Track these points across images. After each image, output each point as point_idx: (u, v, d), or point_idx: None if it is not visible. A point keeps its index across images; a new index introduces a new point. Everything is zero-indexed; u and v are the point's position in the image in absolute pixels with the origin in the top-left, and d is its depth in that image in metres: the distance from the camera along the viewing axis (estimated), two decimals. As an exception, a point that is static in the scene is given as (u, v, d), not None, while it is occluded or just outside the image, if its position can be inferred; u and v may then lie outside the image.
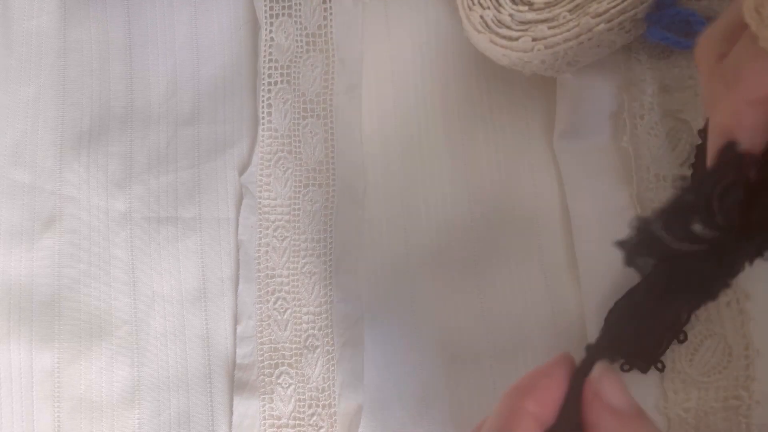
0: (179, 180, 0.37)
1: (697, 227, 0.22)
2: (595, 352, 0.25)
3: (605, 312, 0.33)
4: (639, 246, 0.23)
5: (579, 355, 0.35)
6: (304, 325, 0.35)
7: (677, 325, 0.31)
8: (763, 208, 0.22)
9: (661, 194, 0.33)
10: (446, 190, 0.37)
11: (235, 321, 0.36)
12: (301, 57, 0.37)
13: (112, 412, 0.36)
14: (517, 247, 0.36)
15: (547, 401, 0.24)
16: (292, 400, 0.35)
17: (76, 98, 0.38)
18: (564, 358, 0.25)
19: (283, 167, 0.37)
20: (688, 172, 0.33)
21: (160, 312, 0.36)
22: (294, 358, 0.35)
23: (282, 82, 0.37)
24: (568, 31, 0.31)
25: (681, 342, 0.31)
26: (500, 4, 0.33)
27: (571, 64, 0.33)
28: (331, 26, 0.38)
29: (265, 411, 0.35)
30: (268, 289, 0.36)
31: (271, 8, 0.38)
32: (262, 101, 0.37)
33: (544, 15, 0.32)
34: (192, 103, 0.38)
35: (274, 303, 0.36)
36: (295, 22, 0.38)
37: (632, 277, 0.33)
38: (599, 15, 0.31)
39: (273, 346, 0.35)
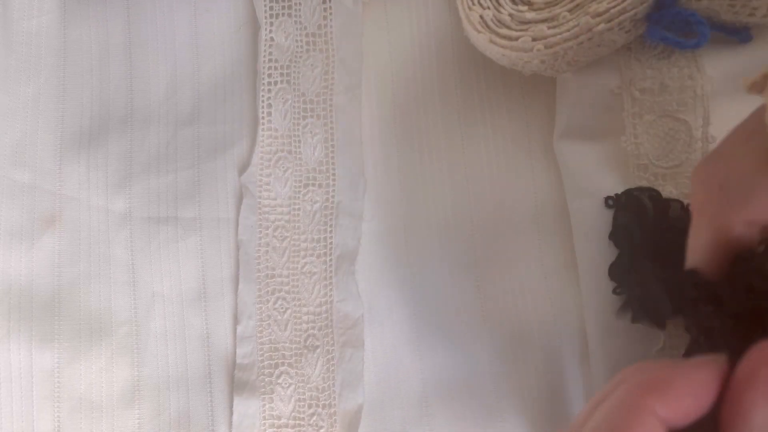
0: (179, 180, 0.37)
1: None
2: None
3: (605, 312, 0.33)
4: None
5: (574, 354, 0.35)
6: (304, 325, 0.35)
7: None
8: None
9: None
10: (446, 189, 0.37)
11: (235, 321, 0.36)
12: (301, 57, 0.37)
13: (112, 412, 0.36)
14: (517, 247, 0.36)
15: (681, 409, 0.20)
16: (292, 400, 0.35)
17: (76, 98, 0.38)
18: (716, 364, 0.20)
19: (283, 167, 0.37)
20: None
21: (160, 312, 0.36)
22: (294, 358, 0.35)
23: (282, 82, 0.37)
24: (568, 31, 0.31)
25: None
26: (500, 4, 0.33)
27: (571, 64, 0.33)
28: (331, 26, 0.38)
29: (265, 411, 0.35)
30: (268, 289, 0.36)
31: (271, 8, 0.38)
32: (262, 101, 0.37)
33: (544, 15, 0.32)
34: (192, 103, 0.38)
35: (274, 303, 0.36)
36: (295, 22, 0.38)
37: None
38: (599, 15, 0.31)
39: (273, 346, 0.35)
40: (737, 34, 0.32)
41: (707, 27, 0.31)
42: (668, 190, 0.33)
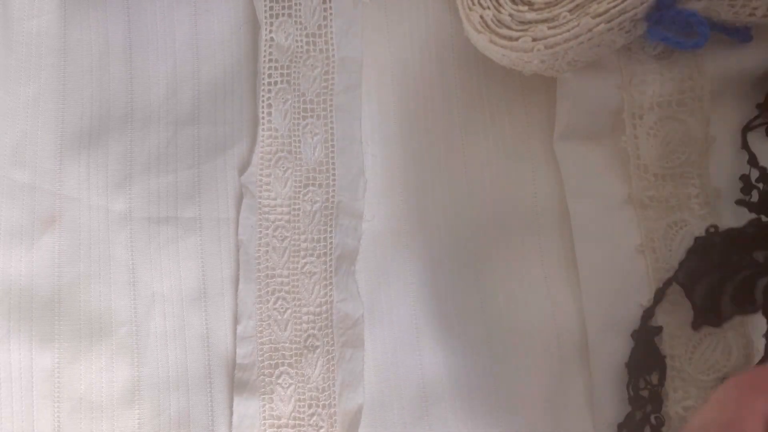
0: (179, 180, 0.37)
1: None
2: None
3: (605, 312, 0.33)
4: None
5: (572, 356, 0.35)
6: (304, 325, 0.35)
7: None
8: None
9: (660, 193, 0.33)
10: (446, 189, 0.37)
11: (235, 321, 0.36)
12: (301, 57, 0.37)
13: (112, 412, 0.36)
14: (517, 247, 0.36)
15: None
16: (292, 400, 0.35)
17: (76, 98, 0.38)
18: None
19: (283, 167, 0.37)
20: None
21: (160, 312, 0.36)
22: (294, 358, 0.35)
23: (282, 82, 0.37)
24: (568, 31, 0.31)
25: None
26: (500, 4, 0.33)
27: (571, 64, 0.33)
28: (331, 26, 0.38)
29: (265, 411, 0.35)
30: (268, 289, 0.36)
31: (271, 8, 0.38)
32: (262, 101, 0.37)
33: (544, 15, 0.32)
34: (192, 103, 0.38)
35: (274, 303, 0.36)
36: (295, 22, 0.38)
37: (631, 279, 0.33)
38: (599, 15, 0.31)
39: (273, 346, 0.35)
40: (737, 34, 0.32)
41: (707, 27, 0.31)
42: (668, 191, 0.33)
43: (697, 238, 0.31)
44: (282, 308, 0.36)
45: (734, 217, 0.32)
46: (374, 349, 0.36)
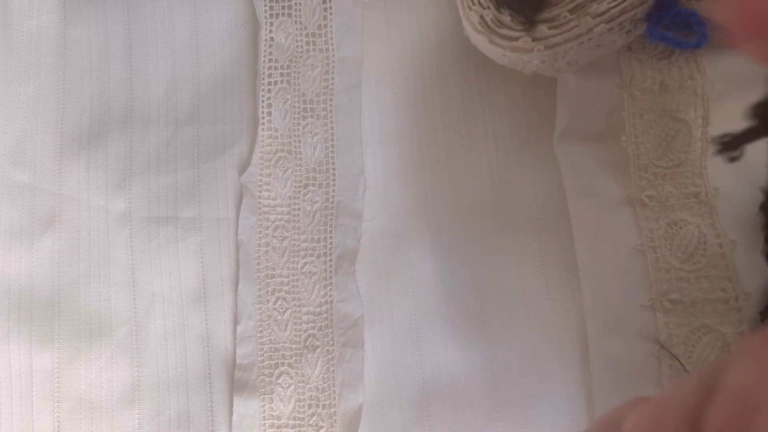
0: (179, 180, 0.37)
1: None
2: None
3: (605, 312, 0.33)
4: None
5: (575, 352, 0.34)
6: (304, 325, 0.35)
7: None
8: None
9: (660, 193, 0.33)
10: (446, 190, 0.37)
11: (235, 321, 0.36)
12: (301, 57, 0.37)
13: (112, 412, 0.36)
14: (517, 247, 0.36)
15: None
16: (292, 400, 0.35)
17: (76, 98, 0.38)
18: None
19: (283, 167, 0.37)
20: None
21: (160, 312, 0.36)
22: (294, 358, 0.35)
23: (282, 82, 0.37)
24: (568, 31, 0.31)
25: None
26: (500, 4, 0.33)
27: (571, 63, 0.33)
28: (331, 26, 0.38)
29: (265, 411, 0.35)
30: (268, 289, 0.36)
31: (271, 8, 0.38)
32: (262, 101, 0.37)
33: (544, 15, 0.32)
34: (192, 103, 0.38)
35: (274, 303, 0.36)
36: (295, 21, 0.38)
37: (631, 279, 0.33)
38: (599, 15, 0.31)
39: (273, 346, 0.35)
40: (737, 35, 0.32)
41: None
42: (668, 191, 0.33)
43: None
44: (282, 308, 0.36)
45: (734, 217, 0.32)
46: (374, 349, 0.36)
